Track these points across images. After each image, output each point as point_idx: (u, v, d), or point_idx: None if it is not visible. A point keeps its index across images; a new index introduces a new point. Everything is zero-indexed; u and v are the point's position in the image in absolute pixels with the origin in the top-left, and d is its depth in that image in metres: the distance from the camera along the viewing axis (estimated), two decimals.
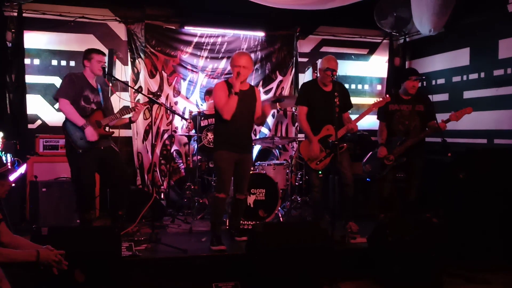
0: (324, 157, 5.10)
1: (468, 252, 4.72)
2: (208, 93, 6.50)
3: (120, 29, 6.69)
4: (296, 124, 7.32)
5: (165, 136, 6.84)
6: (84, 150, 4.68)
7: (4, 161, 3.30)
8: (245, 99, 4.71)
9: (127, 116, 5.06)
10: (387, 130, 5.40)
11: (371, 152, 5.58)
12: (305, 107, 5.21)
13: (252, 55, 7.14)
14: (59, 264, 3.02)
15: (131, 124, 6.58)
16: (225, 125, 4.67)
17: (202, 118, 6.25)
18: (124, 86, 6.43)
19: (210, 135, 6.16)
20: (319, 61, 7.34)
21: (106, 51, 6.33)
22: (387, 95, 5.15)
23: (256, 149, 6.95)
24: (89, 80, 4.88)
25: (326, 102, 5.00)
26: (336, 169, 5.04)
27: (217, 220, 4.76)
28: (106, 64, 4.97)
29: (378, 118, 5.45)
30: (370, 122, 6.96)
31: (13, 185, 3.25)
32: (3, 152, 4.99)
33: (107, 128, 4.91)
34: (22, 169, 5.35)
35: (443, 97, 6.84)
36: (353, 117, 5.23)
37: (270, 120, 7.34)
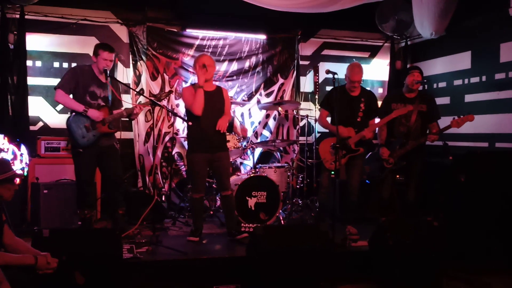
0: (340, 158, 5.13)
1: (468, 254, 4.72)
2: None
3: (122, 32, 6.70)
4: (298, 126, 7.33)
5: (167, 138, 6.84)
6: (85, 149, 4.72)
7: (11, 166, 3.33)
8: (211, 99, 4.91)
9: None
10: (387, 130, 5.41)
11: (370, 153, 5.59)
12: (327, 111, 5.39)
13: (254, 58, 7.19)
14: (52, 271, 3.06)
15: (133, 126, 6.60)
16: (195, 128, 4.88)
17: None
18: (126, 89, 6.43)
19: None
20: (320, 64, 7.39)
21: None
22: (409, 105, 5.21)
23: (258, 151, 6.95)
24: (97, 75, 4.89)
25: (349, 106, 5.18)
26: (342, 173, 5.10)
27: (195, 216, 5.08)
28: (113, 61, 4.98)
29: (379, 117, 5.46)
30: None
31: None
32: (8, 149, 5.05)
33: (110, 125, 4.91)
34: (25, 156, 5.37)
35: (444, 100, 6.83)
36: None
37: (271, 123, 7.34)
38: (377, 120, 5.37)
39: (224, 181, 5.04)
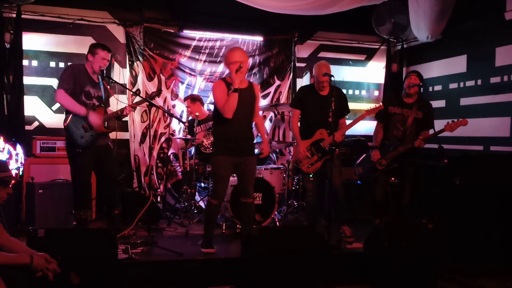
0: (316, 160, 5.12)
1: (463, 256, 4.74)
2: (193, 100, 6.37)
3: (118, 32, 6.69)
4: None
5: (163, 139, 6.84)
6: (84, 149, 4.71)
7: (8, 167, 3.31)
8: (243, 98, 4.50)
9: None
10: (383, 133, 5.41)
11: (364, 155, 5.60)
12: (298, 110, 5.25)
13: (250, 59, 7.16)
14: (53, 272, 3.04)
15: (129, 127, 6.59)
16: (223, 128, 4.55)
17: (195, 125, 6.14)
18: (122, 89, 6.43)
19: (206, 141, 6.17)
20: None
21: None
22: (381, 103, 5.20)
23: None
24: (91, 74, 4.87)
25: (321, 106, 5.05)
26: (327, 174, 5.05)
27: (209, 225, 4.71)
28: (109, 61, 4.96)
29: (375, 118, 5.45)
30: (367, 127, 6.99)
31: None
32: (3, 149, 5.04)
33: (106, 124, 4.90)
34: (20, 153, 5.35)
35: (439, 103, 6.87)
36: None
37: (267, 125, 7.35)
38: (348, 122, 5.27)
39: (247, 187, 4.67)
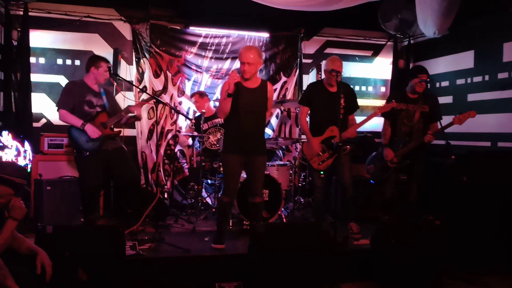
0: (327, 158, 5.11)
1: (469, 255, 4.71)
2: (201, 95, 6.47)
3: (125, 29, 6.71)
4: None
5: (169, 136, 6.86)
6: (91, 153, 4.71)
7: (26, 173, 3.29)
8: (251, 97, 4.51)
9: (131, 114, 5.06)
10: (391, 130, 5.38)
11: (374, 153, 5.56)
12: (307, 107, 5.24)
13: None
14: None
15: (135, 124, 6.61)
16: (232, 126, 4.56)
17: (202, 122, 6.18)
18: (129, 86, 6.46)
19: (212, 138, 6.18)
20: (323, 63, 7.38)
21: (111, 50, 6.41)
22: (393, 101, 5.15)
23: None
24: (91, 86, 4.89)
25: (331, 103, 5.01)
26: (336, 171, 5.04)
27: (220, 221, 4.75)
28: (111, 64, 4.98)
29: (382, 116, 5.43)
30: (373, 123, 6.92)
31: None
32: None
33: (113, 128, 4.92)
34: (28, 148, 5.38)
35: (447, 99, 6.84)
36: (358, 119, 5.22)
37: (274, 121, 7.35)
38: (358, 118, 5.26)
39: (254, 186, 4.67)
